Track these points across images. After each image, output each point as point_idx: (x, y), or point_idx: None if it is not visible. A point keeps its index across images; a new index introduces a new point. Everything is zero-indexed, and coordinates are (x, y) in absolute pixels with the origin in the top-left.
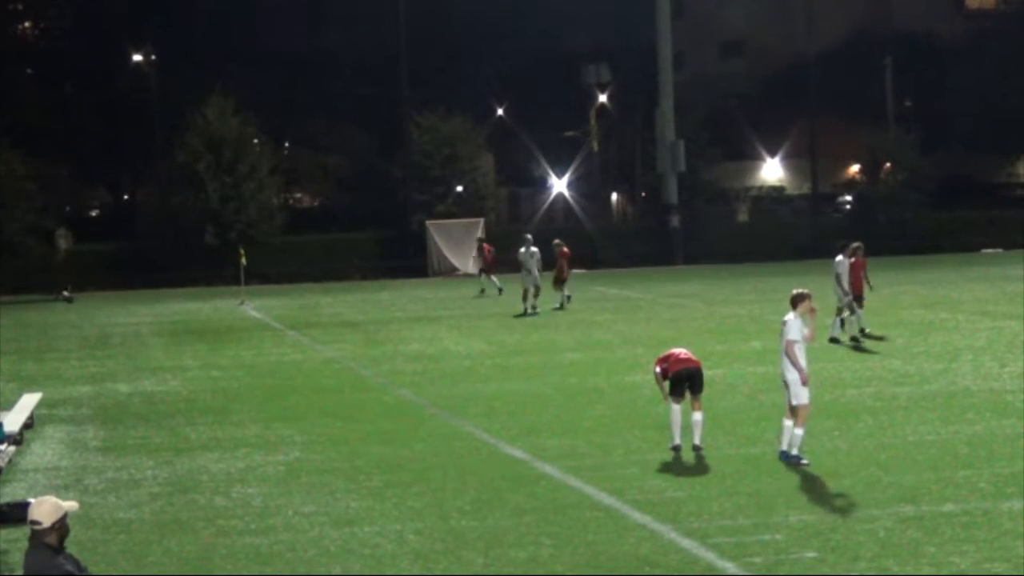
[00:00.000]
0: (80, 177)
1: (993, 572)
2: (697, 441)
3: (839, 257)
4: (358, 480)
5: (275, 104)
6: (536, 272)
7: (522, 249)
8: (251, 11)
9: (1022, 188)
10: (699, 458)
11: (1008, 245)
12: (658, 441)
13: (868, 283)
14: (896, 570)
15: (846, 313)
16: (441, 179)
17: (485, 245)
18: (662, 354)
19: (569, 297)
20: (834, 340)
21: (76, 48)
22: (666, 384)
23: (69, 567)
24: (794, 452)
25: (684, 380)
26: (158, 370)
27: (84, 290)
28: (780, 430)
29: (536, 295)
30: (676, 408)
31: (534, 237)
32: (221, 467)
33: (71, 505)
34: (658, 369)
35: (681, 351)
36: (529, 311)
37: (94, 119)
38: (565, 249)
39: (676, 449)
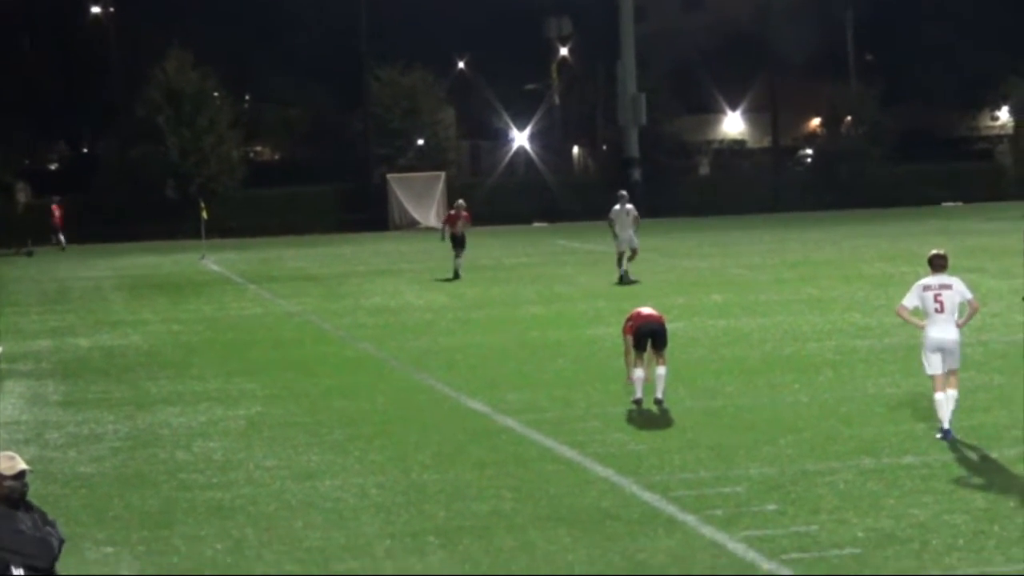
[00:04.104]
0: (39, 131)
1: (952, 523)
2: (659, 395)
3: None
4: (320, 434)
5: (235, 58)
6: (632, 232)
7: (616, 207)
8: None
9: (982, 142)
10: (660, 411)
11: (968, 199)
12: (619, 395)
13: None
14: (856, 522)
15: None
16: (402, 132)
17: (54, 206)
18: (629, 314)
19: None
20: None
21: (34, 1)
22: (629, 339)
23: (23, 526)
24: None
25: (646, 336)
26: (118, 324)
27: (43, 244)
28: (936, 407)
29: (631, 258)
30: (639, 368)
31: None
32: (182, 421)
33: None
34: (629, 336)
35: (645, 308)
36: (625, 278)
37: (53, 73)
38: (465, 212)
39: (638, 403)
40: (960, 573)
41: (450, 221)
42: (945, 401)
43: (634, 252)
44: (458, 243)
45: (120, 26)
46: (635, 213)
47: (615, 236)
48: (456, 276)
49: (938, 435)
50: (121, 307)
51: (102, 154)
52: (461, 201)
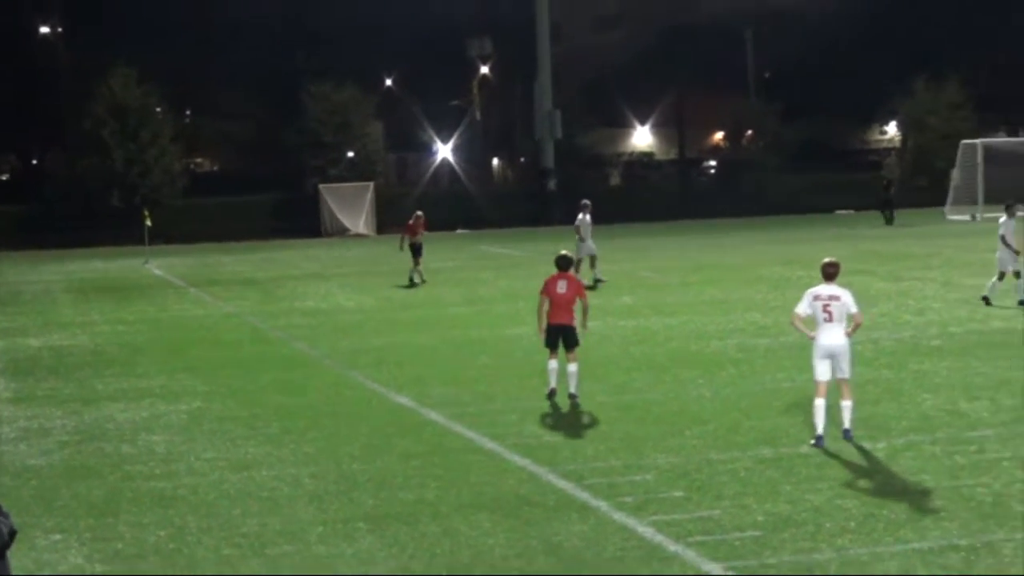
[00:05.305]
0: None
1: (845, 507)
2: (572, 390)
3: (1003, 218)
4: (256, 427)
5: (177, 75)
6: (591, 240)
7: (580, 216)
8: None
9: (872, 154)
10: (574, 406)
11: (860, 206)
12: (537, 389)
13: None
14: (756, 507)
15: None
16: (333, 145)
17: None
18: (546, 279)
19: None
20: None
21: None
22: (543, 298)
23: None
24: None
25: (556, 335)
26: (67, 325)
27: None
28: (814, 413)
29: (592, 265)
30: (553, 360)
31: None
32: (127, 416)
33: None
34: (544, 296)
35: (560, 293)
36: (601, 279)
37: (3, 89)
38: (423, 221)
39: (551, 394)
40: (852, 553)
41: (411, 231)
42: (825, 408)
43: (593, 259)
44: (418, 251)
45: (68, 45)
46: (589, 223)
47: (582, 242)
48: (423, 281)
49: (811, 442)
50: (69, 309)
51: (51, 166)
52: (420, 212)
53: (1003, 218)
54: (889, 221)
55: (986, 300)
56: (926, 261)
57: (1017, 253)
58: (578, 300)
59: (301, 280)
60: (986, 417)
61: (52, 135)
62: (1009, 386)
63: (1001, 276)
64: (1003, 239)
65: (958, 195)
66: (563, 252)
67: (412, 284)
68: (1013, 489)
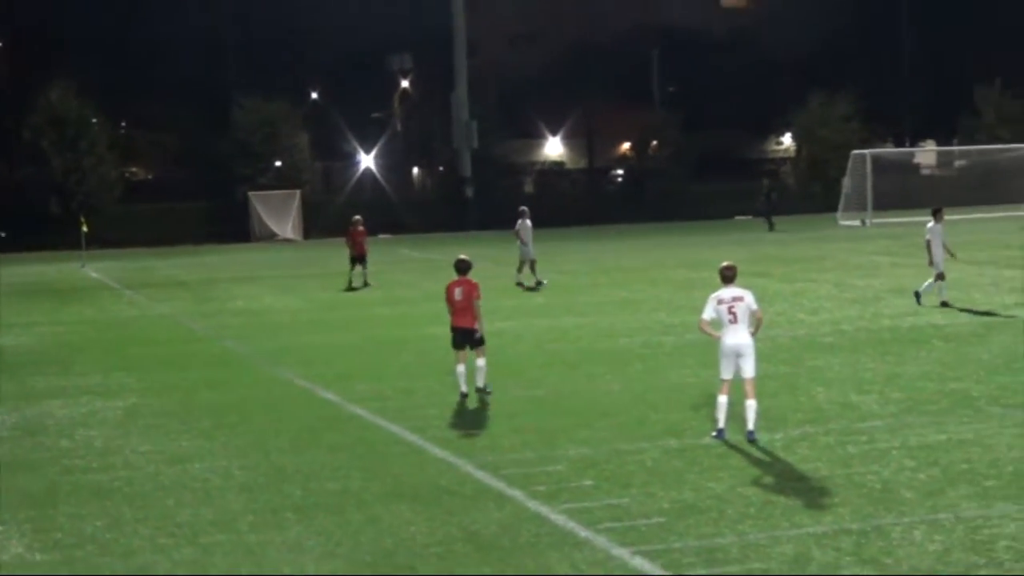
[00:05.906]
0: None
1: (745, 495)
2: (480, 384)
3: (931, 223)
4: (189, 422)
5: (113, 87)
6: (531, 245)
7: (520, 221)
8: (92, 2)
9: (769, 163)
10: (489, 399)
11: (757, 213)
12: (455, 385)
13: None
14: (662, 495)
15: (931, 280)
16: (262, 155)
17: None
18: (448, 285)
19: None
20: (945, 304)
21: None
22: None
23: None
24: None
25: (460, 337)
26: (8, 326)
27: None
28: (716, 408)
29: (532, 268)
30: (460, 363)
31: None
32: (65, 412)
33: None
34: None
35: (457, 300)
36: (539, 283)
37: None
38: (361, 228)
39: (463, 396)
40: (752, 537)
41: (350, 238)
42: (727, 404)
43: (533, 263)
44: (359, 260)
45: (7, 58)
46: (530, 228)
47: (524, 246)
48: (351, 285)
49: (713, 434)
50: (10, 310)
51: None
52: (358, 217)
53: (931, 223)
54: (771, 227)
55: (944, 303)
56: (819, 264)
57: (931, 264)
58: (475, 303)
59: (231, 282)
60: (875, 409)
61: None
62: (897, 380)
63: (941, 276)
64: (928, 244)
65: (849, 202)
66: (461, 256)
67: (365, 284)
68: (901, 476)
